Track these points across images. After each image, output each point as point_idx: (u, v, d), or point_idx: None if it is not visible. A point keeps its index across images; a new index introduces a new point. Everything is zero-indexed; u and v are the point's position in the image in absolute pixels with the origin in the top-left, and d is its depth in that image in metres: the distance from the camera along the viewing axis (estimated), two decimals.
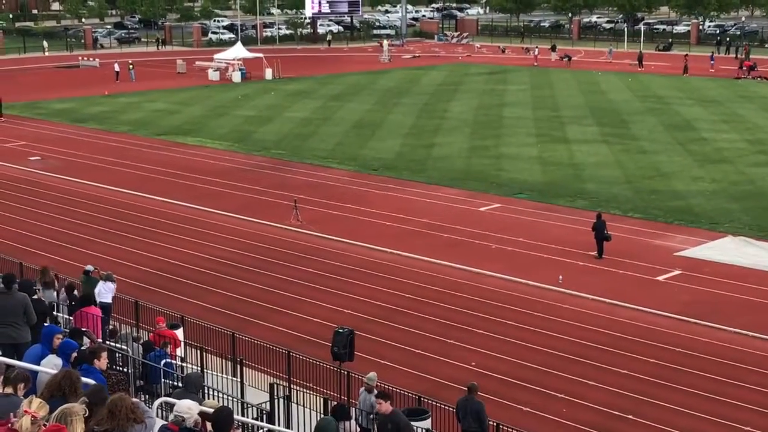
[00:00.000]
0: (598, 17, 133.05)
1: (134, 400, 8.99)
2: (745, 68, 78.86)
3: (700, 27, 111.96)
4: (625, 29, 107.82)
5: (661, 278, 30.13)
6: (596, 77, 79.21)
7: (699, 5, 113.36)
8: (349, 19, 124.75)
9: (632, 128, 55.31)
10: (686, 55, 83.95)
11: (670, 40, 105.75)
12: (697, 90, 70.80)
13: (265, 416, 18.27)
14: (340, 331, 21.65)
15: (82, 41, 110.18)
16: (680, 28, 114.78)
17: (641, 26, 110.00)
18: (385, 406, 16.36)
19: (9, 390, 9.73)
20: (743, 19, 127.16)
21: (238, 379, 20.82)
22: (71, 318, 20.35)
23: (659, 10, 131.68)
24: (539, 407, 21.64)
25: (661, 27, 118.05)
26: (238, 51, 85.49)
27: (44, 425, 8.10)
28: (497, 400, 21.40)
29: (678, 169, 44.65)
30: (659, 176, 43.43)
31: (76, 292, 22.69)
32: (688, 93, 69.23)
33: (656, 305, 27.69)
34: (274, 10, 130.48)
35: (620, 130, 54.86)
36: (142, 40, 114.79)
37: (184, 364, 21.27)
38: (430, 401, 19.34)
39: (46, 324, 15.94)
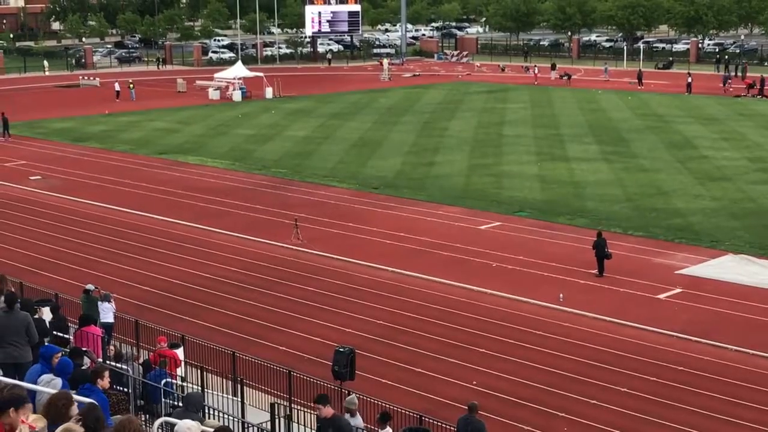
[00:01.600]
0: (597, 36, 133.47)
1: (140, 422, 8.97)
2: (744, 86, 79.04)
3: (700, 45, 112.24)
4: (625, 48, 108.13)
5: (662, 296, 30.10)
6: (596, 95, 79.36)
7: (698, 23, 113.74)
8: (348, 38, 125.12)
9: (632, 146, 55.37)
10: (689, 73, 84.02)
11: (670, 58, 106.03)
12: (697, 108, 70.91)
13: None
14: (341, 350, 21.62)
15: (83, 61, 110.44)
16: (679, 47, 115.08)
17: (640, 45, 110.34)
18: (326, 410, 16.17)
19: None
20: (742, 37, 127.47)
21: (239, 399, 20.77)
22: None
23: (658, 29, 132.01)
24: (540, 426, 21.57)
25: (661, 45, 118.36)
26: (239, 70, 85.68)
27: None
28: (498, 419, 21.35)
29: (678, 187, 44.68)
30: (659, 194, 43.45)
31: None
32: (687, 111, 69.34)
33: (657, 323, 27.65)
34: (274, 30, 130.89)
35: (620, 148, 54.93)
36: (143, 59, 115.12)
37: (184, 384, 21.23)
38: (431, 420, 19.29)
39: (46, 343, 15.91)
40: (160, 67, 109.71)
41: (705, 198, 42.50)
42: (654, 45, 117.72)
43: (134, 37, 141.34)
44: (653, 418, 21.86)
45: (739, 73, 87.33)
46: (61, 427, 8.21)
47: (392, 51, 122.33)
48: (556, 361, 25.11)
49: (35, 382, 12.55)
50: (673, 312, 28.72)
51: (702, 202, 41.85)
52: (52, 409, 9.33)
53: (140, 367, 20.79)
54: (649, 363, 24.92)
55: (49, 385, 12.23)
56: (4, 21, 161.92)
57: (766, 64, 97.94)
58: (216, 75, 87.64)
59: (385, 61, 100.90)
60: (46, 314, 21.54)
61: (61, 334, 20.61)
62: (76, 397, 10.32)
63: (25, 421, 8.19)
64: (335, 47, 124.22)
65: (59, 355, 14.23)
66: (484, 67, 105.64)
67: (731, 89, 78.84)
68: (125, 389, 18.04)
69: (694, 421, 21.67)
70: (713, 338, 26.51)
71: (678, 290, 30.59)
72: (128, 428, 8.57)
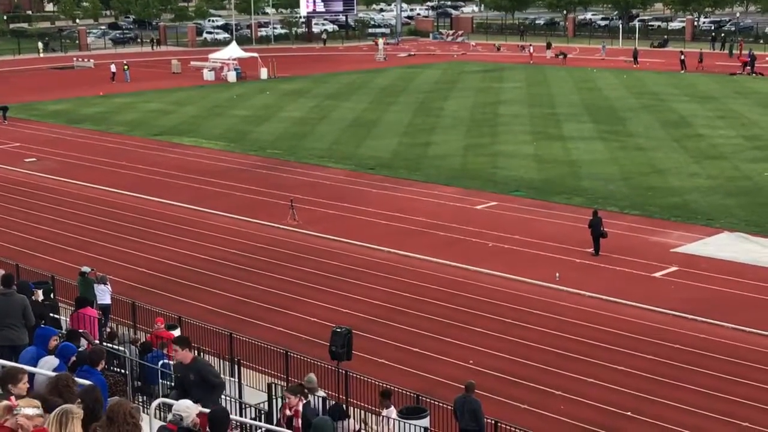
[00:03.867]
0: (592, 14, 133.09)
1: (133, 405, 8.97)
2: (740, 64, 79.05)
3: (695, 23, 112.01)
4: (620, 26, 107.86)
5: (657, 275, 30.15)
6: (591, 74, 79.25)
7: (693, 1, 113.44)
8: (344, 18, 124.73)
9: (628, 125, 55.34)
10: (682, 51, 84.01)
11: (665, 36, 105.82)
12: (693, 86, 70.84)
13: (263, 416, 18.27)
14: (338, 330, 21.62)
15: (77, 42, 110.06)
16: (675, 25, 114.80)
17: (636, 23, 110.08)
18: (182, 354, 14.26)
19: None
20: (738, 14, 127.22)
21: (236, 380, 20.81)
22: None
23: (654, 7, 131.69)
24: (537, 405, 21.65)
25: (656, 24, 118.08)
26: (233, 51, 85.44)
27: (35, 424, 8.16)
28: (495, 398, 21.41)
29: (674, 166, 44.68)
30: (655, 173, 43.45)
31: None
32: (683, 89, 69.28)
33: (653, 302, 27.71)
34: (269, 10, 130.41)
35: (616, 127, 54.89)
36: (137, 40, 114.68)
37: None
38: (428, 400, 19.36)
39: (42, 326, 15.91)
40: (155, 48, 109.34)
41: (701, 176, 42.51)
42: (649, 23, 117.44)
43: (128, 17, 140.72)
44: (650, 396, 21.94)
45: (736, 51, 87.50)
46: (60, 408, 8.22)
47: (387, 31, 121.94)
48: (553, 339, 25.18)
49: (32, 365, 12.56)
50: (669, 290, 28.78)
51: (698, 180, 41.87)
52: (56, 391, 9.35)
53: (137, 348, 20.82)
54: (645, 341, 24.98)
55: (48, 368, 12.26)
56: None
57: (761, 41, 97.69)
58: (211, 56, 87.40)
59: (381, 41, 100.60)
60: (39, 297, 21.54)
61: (56, 316, 20.63)
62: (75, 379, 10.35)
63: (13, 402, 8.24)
64: (330, 27, 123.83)
65: (56, 338, 14.25)
66: (480, 47, 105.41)
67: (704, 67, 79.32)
68: (122, 370, 18.09)
69: (690, 399, 21.75)
70: (709, 316, 26.57)
71: (674, 268, 30.64)
72: (117, 412, 8.59)
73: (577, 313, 27.07)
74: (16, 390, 9.68)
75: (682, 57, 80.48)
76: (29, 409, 8.37)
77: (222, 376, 16.33)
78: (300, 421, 15.77)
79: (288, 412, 16.07)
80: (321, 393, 18.54)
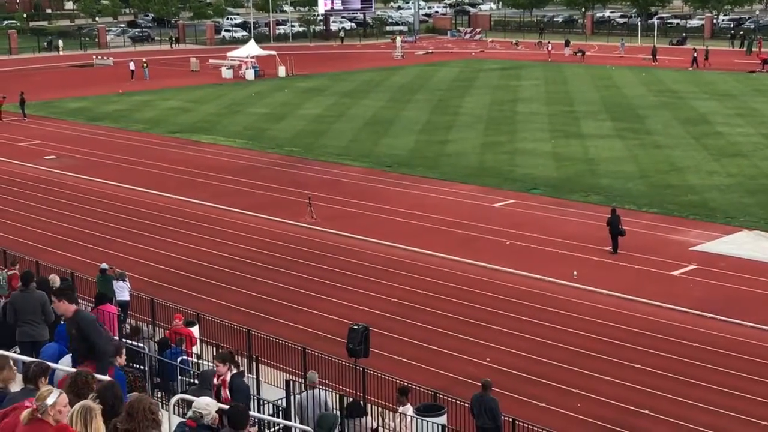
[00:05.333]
0: (611, 12, 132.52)
1: (152, 401, 9.02)
2: (760, 61, 78.63)
3: (714, 21, 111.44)
4: (639, 24, 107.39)
5: (676, 273, 30.07)
6: (610, 72, 78.99)
7: None
8: (361, 16, 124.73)
9: (647, 123, 55.15)
10: (694, 48, 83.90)
11: (684, 34, 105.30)
12: (711, 84, 70.53)
13: (281, 413, 18.34)
14: (355, 327, 21.69)
15: (96, 40, 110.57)
16: (694, 22, 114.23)
17: (655, 20, 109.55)
18: (63, 306, 12.90)
19: (30, 386, 9.84)
20: (757, 12, 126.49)
21: (254, 376, 20.89)
22: None
23: (672, 4, 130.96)
24: (554, 403, 21.65)
25: (675, 21, 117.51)
26: (251, 49, 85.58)
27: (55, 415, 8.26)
28: (512, 396, 21.41)
29: (693, 164, 44.52)
30: (674, 171, 43.31)
31: None
32: (702, 87, 68.97)
33: (671, 300, 27.65)
34: (287, 8, 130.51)
35: (634, 124, 54.71)
36: (156, 38, 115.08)
37: (200, 362, 21.36)
38: (445, 397, 19.37)
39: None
40: (173, 46, 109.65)
41: (720, 174, 42.34)
42: (668, 21, 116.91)
43: (147, 16, 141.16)
44: (667, 394, 21.90)
45: (755, 49, 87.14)
46: (79, 404, 8.29)
47: (405, 29, 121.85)
48: (570, 338, 25.16)
49: (54, 361, 12.66)
50: (688, 288, 28.71)
51: (717, 178, 41.71)
52: (75, 387, 9.42)
53: (156, 345, 20.93)
54: (663, 339, 24.93)
55: (70, 364, 12.35)
56: (18, 1, 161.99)
57: None
58: (229, 54, 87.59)
59: (398, 39, 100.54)
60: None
61: None
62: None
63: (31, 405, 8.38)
64: (348, 25, 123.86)
65: None
66: (497, 44, 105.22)
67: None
68: (141, 366, 18.20)
69: (708, 397, 21.70)
70: (727, 315, 26.49)
71: (692, 267, 30.54)
72: (136, 407, 8.64)
73: (595, 311, 27.04)
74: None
75: (695, 54, 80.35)
76: (50, 398, 8.43)
77: (114, 340, 14.25)
78: (227, 391, 14.66)
79: (215, 381, 15.00)
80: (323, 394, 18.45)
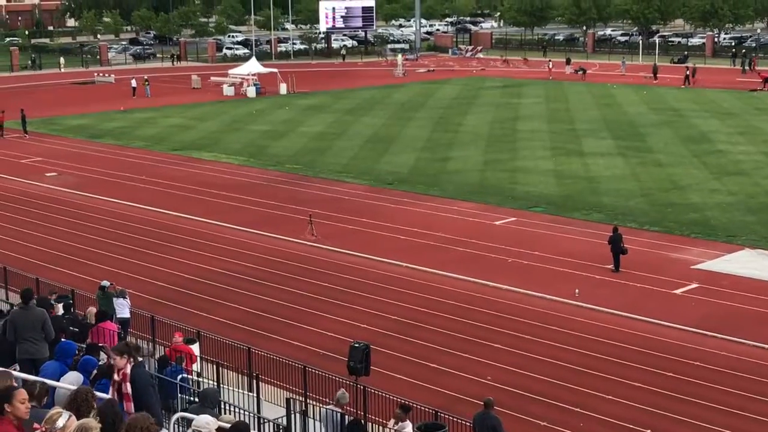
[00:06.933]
0: (612, 30, 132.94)
1: (152, 420, 8.97)
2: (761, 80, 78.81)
3: (715, 39, 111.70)
4: (640, 42, 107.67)
5: (678, 291, 30.00)
6: (611, 90, 79.11)
7: (714, 17, 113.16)
8: (363, 34, 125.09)
9: (648, 141, 55.18)
10: (686, 66, 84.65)
11: (686, 52, 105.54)
12: (713, 102, 70.60)
13: (282, 431, 18.25)
14: (356, 345, 21.61)
15: (98, 57, 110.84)
16: (695, 41, 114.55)
17: (656, 39, 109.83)
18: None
19: (33, 403, 9.80)
20: (759, 31, 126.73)
21: (255, 394, 20.81)
22: None
23: (674, 23, 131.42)
24: (556, 421, 21.55)
25: (676, 39, 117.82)
26: (253, 66, 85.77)
27: None
28: (514, 415, 21.32)
29: (694, 182, 44.51)
30: (675, 189, 43.29)
31: None
32: (703, 105, 69.04)
33: (673, 318, 27.56)
34: (289, 26, 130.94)
35: (636, 142, 54.74)
36: (157, 55, 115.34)
37: (200, 379, 21.29)
38: (446, 416, 19.28)
39: (63, 340, 15.98)
40: (175, 63, 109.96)
41: (721, 192, 42.32)
42: (669, 39, 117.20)
43: (149, 33, 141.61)
44: (669, 413, 21.80)
45: (746, 67, 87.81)
46: (79, 422, 8.24)
47: (406, 46, 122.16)
48: (572, 356, 25.07)
49: (54, 379, 12.61)
50: (689, 307, 28.63)
51: (718, 196, 41.68)
52: (75, 405, 9.38)
53: (156, 362, 20.85)
54: (664, 358, 24.84)
55: (72, 383, 12.29)
56: (20, 18, 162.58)
57: None
58: (230, 71, 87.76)
59: (399, 57, 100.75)
60: (59, 310, 21.63)
61: (75, 329, 20.67)
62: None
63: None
64: (349, 43, 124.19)
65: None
66: (499, 62, 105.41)
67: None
68: None
69: (710, 417, 21.60)
70: (729, 333, 26.40)
71: (694, 285, 30.47)
72: (135, 427, 8.59)
73: (597, 330, 26.95)
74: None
75: (687, 72, 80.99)
76: (60, 421, 8.40)
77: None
78: (128, 386, 13.54)
79: (116, 377, 13.81)
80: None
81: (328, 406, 18.74)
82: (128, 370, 13.62)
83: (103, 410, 9.31)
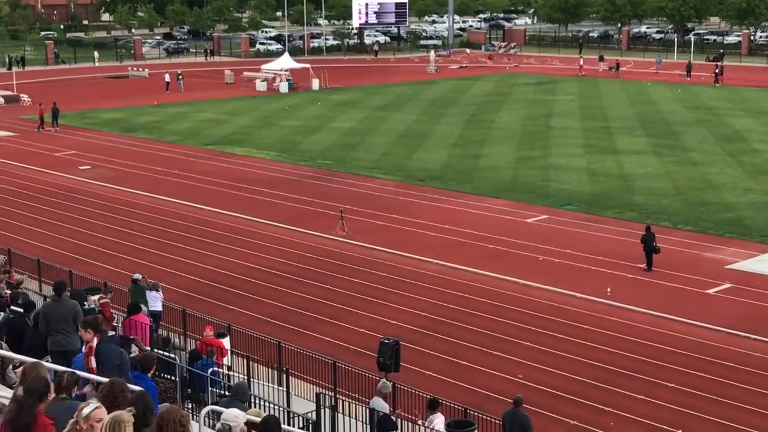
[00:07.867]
0: (647, 27, 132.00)
1: (183, 413, 8.97)
2: None
3: (751, 37, 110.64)
4: (675, 39, 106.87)
5: (711, 291, 29.75)
6: (645, 87, 78.58)
7: (750, 15, 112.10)
8: (396, 30, 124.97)
9: (682, 139, 54.76)
10: (716, 65, 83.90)
11: (722, 50, 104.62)
12: (747, 101, 69.96)
13: (311, 426, 18.28)
14: (386, 341, 21.60)
15: (132, 51, 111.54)
16: (731, 39, 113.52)
17: (691, 37, 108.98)
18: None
19: (63, 395, 9.85)
20: None
21: (285, 389, 20.85)
22: None
23: (710, 21, 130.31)
24: (586, 421, 21.43)
25: (712, 37, 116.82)
26: (286, 61, 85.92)
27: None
28: (544, 413, 21.23)
29: (729, 181, 44.12)
30: (709, 188, 42.93)
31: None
32: (737, 104, 68.43)
33: (706, 319, 27.34)
34: (322, 21, 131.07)
35: (670, 141, 54.34)
36: (191, 50, 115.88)
37: (230, 373, 21.37)
38: (476, 413, 19.24)
39: None
40: (208, 58, 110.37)
41: (756, 192, 41.92)
42: (705, 37, 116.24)
43: (183, 28, 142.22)
44: (701, 414, 21.63)
45: None
46: (110, 415, 8.27)
47: (439, 43, 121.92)
48: (603, 355, 24.92)
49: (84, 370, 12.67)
50: (722, 307, 28.38)
51: (752, 196, 41.29)
52: (110, 397, 9.42)
53: (187, 355, 20.95)
54: (697, 358, 24.65)
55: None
56: (55, 12, 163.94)
57: None
58: (263, 66, 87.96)
59: (432, 53, 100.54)
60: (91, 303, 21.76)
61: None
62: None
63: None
64: (382, 39, 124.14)
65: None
66: (533, 59, 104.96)
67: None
68: (172, 377, 18.21)
69: (742, 418, 21.40)
70: (762, 334, 26.15)
71: (727, 285, 30.20)
72: (167, 419, 8.60)
73: (628, 329, 26.77)
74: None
75: (717, 70, 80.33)
76: (86, 409, 8.43)
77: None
78: (94, 360, 13.55)
79: (83, 350, 13.90)
80: (382, 403, 18.60)
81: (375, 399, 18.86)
82: (95, 343, 13.61)
83: (134, 401, 9.34)
